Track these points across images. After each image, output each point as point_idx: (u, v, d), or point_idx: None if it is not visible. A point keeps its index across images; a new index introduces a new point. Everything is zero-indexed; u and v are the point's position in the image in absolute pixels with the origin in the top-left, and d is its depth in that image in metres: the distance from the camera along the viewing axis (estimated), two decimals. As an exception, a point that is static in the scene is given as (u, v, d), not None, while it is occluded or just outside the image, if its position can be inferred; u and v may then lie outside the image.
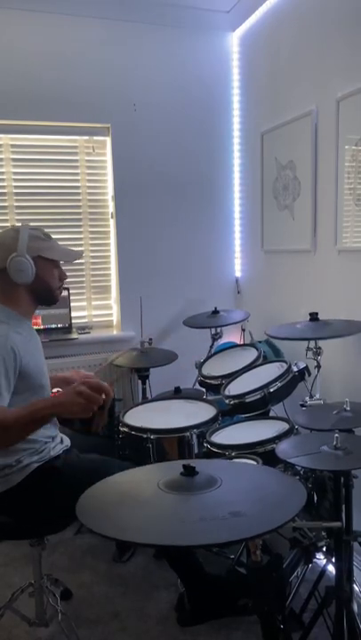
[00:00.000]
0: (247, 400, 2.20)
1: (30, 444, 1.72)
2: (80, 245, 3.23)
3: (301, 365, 2.26)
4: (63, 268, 1.86)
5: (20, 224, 1.79)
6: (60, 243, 1.83)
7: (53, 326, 3.11)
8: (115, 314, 3.37)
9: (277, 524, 1.00)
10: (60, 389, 2.04)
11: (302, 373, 2.26)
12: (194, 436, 2.13)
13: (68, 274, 1.90)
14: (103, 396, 1.52)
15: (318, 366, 2.24)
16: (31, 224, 1.81)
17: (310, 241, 2.61)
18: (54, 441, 1.83)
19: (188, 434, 2.13)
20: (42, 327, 3.06)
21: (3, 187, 3.03)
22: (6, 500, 1.68)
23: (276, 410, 2.43)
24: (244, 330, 3.32)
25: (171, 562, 2.01)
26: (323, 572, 1.87)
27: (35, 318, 3.02)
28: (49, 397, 1.62)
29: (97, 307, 3.35)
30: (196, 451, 2.14)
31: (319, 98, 2.47)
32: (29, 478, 1.69)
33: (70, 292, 3.12)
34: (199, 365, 2.71)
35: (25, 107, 2.94)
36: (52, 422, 1.82)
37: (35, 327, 1.89)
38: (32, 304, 1.80)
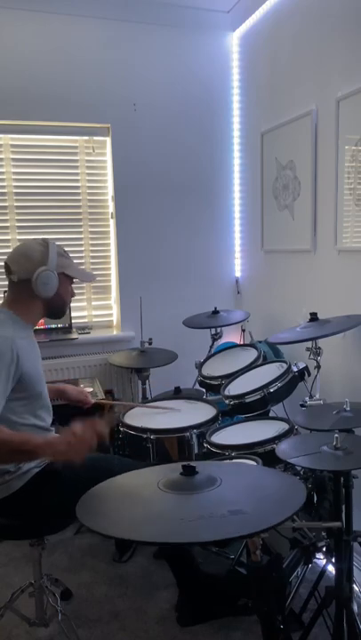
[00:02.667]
0: (247, 400, 2.20)
1: None
2: (80, 245, 3.23)
3: (301, 365, 2.26)
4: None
5: (47, 239, 1.84)
6: (59, 244, 1.84)
7: (53, 326, 3.11)
8: (115, 314, 3.37)
9: (277, 521, 1.00)
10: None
11: (302, 373, 2.26)
12: (194, 436, 2.13)
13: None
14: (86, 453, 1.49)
15: (318, 366, 2.24)
16: (56, 241, 1.84)
17: (310, 241, 2.61)
18: None
19: (188, 434, 2.13)
20: (42, 327, 3.06)
21: (3, 187, 3.03)
22: (8, 505, 1.69)
23: (276, 410, 2.43)
24: (244, 330, 3.32)
25: (169, 561, 2.01)
26: (323, 572, 1.87)
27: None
28: (43, 436, 1.63)
29: (97, 307, 3.35)
30: (196, 451, 2.14)
31: (319, 98, 2.47)
32: (30, 483, 1.70)
33: (70, 291, 3.13)
34: (199, 365, 2.71)
35: (25, 107, 2.95)
36: (51, 429, 1.83)
37: (38, 327, 1.91)
38: (41, 316, 1.85)
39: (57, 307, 1.84)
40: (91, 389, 2.78)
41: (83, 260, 3.24)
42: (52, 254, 1.74)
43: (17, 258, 1.75)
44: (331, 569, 1.77)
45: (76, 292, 2.78)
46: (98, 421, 1.50)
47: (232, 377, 2.44)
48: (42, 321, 3.03)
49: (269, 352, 2.72)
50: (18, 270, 1.73)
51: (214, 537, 0.98)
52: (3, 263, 1.78)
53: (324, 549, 1.81)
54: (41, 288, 1.72)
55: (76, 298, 3.18)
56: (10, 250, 3.03)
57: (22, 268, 1.72)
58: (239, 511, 1.05)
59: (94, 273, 3.21)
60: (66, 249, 1.86)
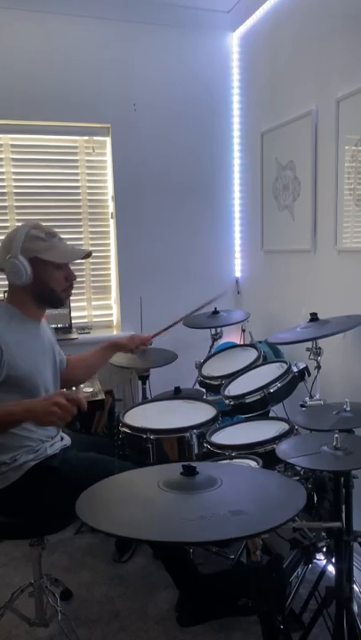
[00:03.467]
0: (247, 400, 2.20)
1: (26, 441, 1.72)
2: (80, 245, 3.23)
3: (301, 366, 2.26)
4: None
5: (25, 222, 1.74)
6: (40, 223, 1.77)
7: (53, 326, 3.11)
8: (115, 314, 3.37)
9: (278, 522, 1.00)
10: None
11: (302, 374, 2.25)
12: (194, 437, 2.13)
13: (71, 270, 1.82)
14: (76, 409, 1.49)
15: (318, 367, 2.24)
16: (37, 222, 1.75)
17: (310, 241, 2.61)
18: (53, 440, 1.82)
19: (188, 434, 2.13)
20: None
21: (3, 187, 3.03)
22: (4, 498, 1.68)
23: (276, 410, 2.43)
24: (244, 330, 3.32)
25: (165, 563, 2.00)
26: (323, 572, 1.87)
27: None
28: (24, 402, 1.58)
29: (97, 307, 3.35)
30: (196, 451, 2.14)
31: (319, 98, 2.47)
32: (26, 477, 1.69)
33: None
34: (199, 365, 2.71)
35: (25, 107, 2.95)
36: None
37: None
38: (36, 305, 1.77)
39: (45, 295, 1.74)
40: (91, 389, 2.78)
41: (83, 260, 3.23)
42: (18, 239, 1.64)
43: None
44: (331, 569, 1.77)
45: (75, 291, 2.78)
46: (74, 395, 1.48)
47: (232, 377, 2.44)
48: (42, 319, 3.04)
49: (269, 352, 2.72)
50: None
51: (216, 537, 0.98)
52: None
53: (324, 549, 1.81)
54: (12, 277, 1.65)
55: (75, 298, 3.22)
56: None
57: (1, 258, 1.68)
58: (240, 511, 1.05)
59: (95, 274, 3.27)
60: (48, 228, 1.75)
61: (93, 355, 2.08)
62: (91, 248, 3.26)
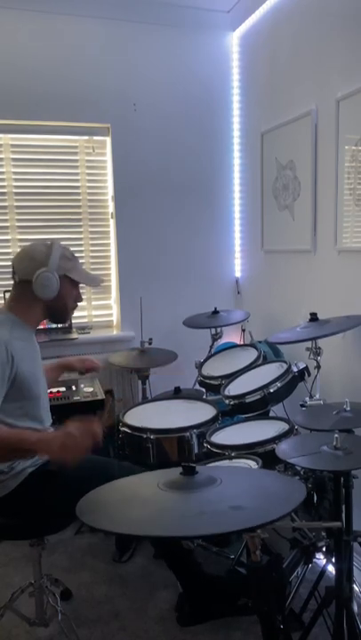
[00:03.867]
0: (247, 400, 2.20)
1: None
2: (80, 245, 3.23)
3: (301, 366, 2.26)
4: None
5: (53, 239, 1.81)
6: (62, 243, 1.83)
7: (53, 326, 3.11)
8: (115, 314, 3.37)
9: (278, 515, 1.00)
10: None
11: (302, 374, 2.26)
12: (194, 436, 2.13)
13: (80, 293, 1.91)
14: (81, 454, 1.46)
15: (318, 366, 2.24)
16: (60, 240, 1.82)
17: (310, 241, 2.61)
18: None
19: (188, 434, 2.13)
20: (42, 327, 3.06)
21: (3, 187, 3.03)
22: (4, 505, 1.69)
23: (276, 410, 2.43)
24: (244, 330, 3.32)
25: (169, 562, 2.01)
26: (323, 572, 1.87)
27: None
28: (38, 433, 1.60)
29: (97, 307, 3.35)
30: (196, 451, 2.14)
31: (319, 98, 2.47)
32: (25, 484, 1.70)
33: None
34: (199, 365, 2.71)
35: (25, 107, 2.95)
36: (46, 426, 1.82)
37: (38, 327, 1.89)
38: (42, 318, 1.82)
39: (58, 310, 1.82)
40: (91, 389, 2.78)
41: (83, 260, 3.24)
42: (55, 256, 1.73)
43: (20, 258, 1.75)
44: (331, 569, 1.77)
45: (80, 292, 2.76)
46: (93, 422, 1.48)
47: (232, 377, 2.44)
48: (46, 321, 3.04)
49: (269, 352, 2.72)
50: (20, 271, 1.73)
51: (216, 530, 0.98)
52: (3, 264, 1.78)
53: (324, 549, 1.82)
54: (40, 289, 1.71)
55: (82, 299, 3.21)
56: (10, 249, 3.05)
57: (24, 269, 1.72)
58: (240, 507, 1.05)
59: (98, 275, 3.26)
60: (70, 249, 1.83)
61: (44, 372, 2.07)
62: (91, 248, 3.27)
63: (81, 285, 1.88)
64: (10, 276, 1.84)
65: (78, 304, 1.91)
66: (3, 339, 1.62)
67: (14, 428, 1.64)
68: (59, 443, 1.42)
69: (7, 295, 1.83)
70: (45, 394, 1.84)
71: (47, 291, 1.71)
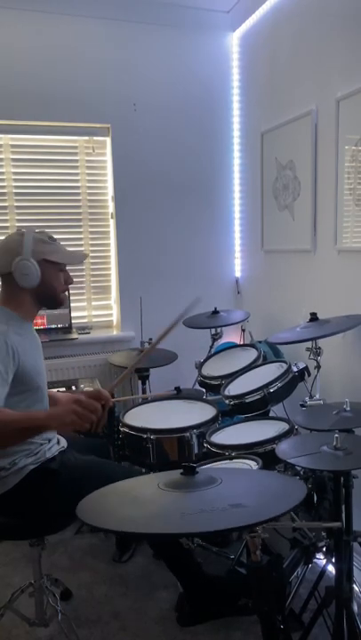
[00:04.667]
0: (247, 400, 2.20)
1: (25, 445, 1.72)
2: (80, 245, 3.23)
3: (301, 366, 2.26)
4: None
5: (23, 228, 1.79)
6: (62, 244, 1.83)
7: (53, 326, 3.11)
8: (115, 314, 3.37)
9: (278, 512, 1.00)
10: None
11: (302, 374, 2.26)
12: (194, 436, 2.13)
13: (69, 274, 1.87)
14: (94, 417, 1.48)
15: (318, 366, 2.24)
16: (36, 228, 1.80)
17: (310, 241, 2.61)
18: (50, 442, 1.82)
19: (188, 434, 2.13)
20: (42, 327, 3.06)
21: (3, 187, 3.03)
22: (4, 502, 1.69)
23: (276, 410, 2.43)
24: (244, 330, 3.32)
25: (168, 563, 2.01)
26: (323, 572, 1.87)
27: (40, 318, 3.03)
28: (46, 410, 1.60)
29: (97, 307, 3.35)
30: (196, 451, 2.14)
31: (319, 98, 2.47)
32: (26, 480, 1.69)
33: (70, 292, 3.12)
34: (199, 365, 2.71)
35: (25, 107, 2.95)
36: None
37: (38, 327, 1.89)
38: (35, 307, 1.80)
39: (47, 296, 1.78)
40: (90, 389, 2.78)
41: (84, 260, 3.24)
42: (28, 242, 1.69)
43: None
44: (331, 569, 1.77)
45: (75, 291, 2.78)
46: (101, 390, 1.46)
47: (232, 377, 2.44)
48: (42, 321, 3.04)
49: (269, 352, 2.72)
50: (1, 265, 1.71)
51: (216, 528, 0.98)
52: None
53: (324, 549, 1.82)
54: (21, 279, 1.68)
55: (75, 298, 3.22)
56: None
57: (4, 262, 1.70)
58: (240, 505, 1.05)
59: (95, 274, 3.27)
60: (48, 233, 1.80)
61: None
62: (91, 248, 3.27)
63: (78, 284, 1.86)
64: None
65: (70, 286, 1.87)
66: (1, 331, 1.61)
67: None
68: (70, 411, 1.42)
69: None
70: (46, 386, 1.84)
71: (28, 279, 1.69)
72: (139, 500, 1.16)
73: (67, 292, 3.03)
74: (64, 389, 2.76)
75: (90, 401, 1.47)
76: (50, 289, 1.76)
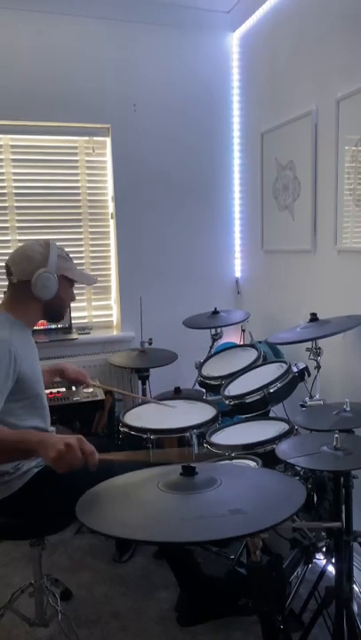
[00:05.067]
0: (247, 400, 2.20)
1: None
2: (80, 246, 3.23)
3: (301, 366, 2.26)
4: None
5: (49, 240, 1.82)
6: (60, 244, 1.84)
7: (53, 326, 3.11)
8: (115, 314, 3.37)
9: (277, 520, 1.00)
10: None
11: (302, 374, 2.25)
12: (194, 437, 2.13)
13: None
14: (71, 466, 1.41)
15: (318, 367, 2.24)
16: (56, 241, 1.83)
17: (310, 241, 2.61)
18: None
19: (188, 434, 2.13)
20: (42, 327, 3.06)
21: (3, 187, 3.03)
22: (8, 505, 1.69)
23: (276, 410, 2.43)
24: (244, 330, 3.32)
25: (170, 562, 2.01)
26: (323, 572, 1.87)
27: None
28: (39, 433, 1.59)
29: (97, 307, 3.35)
30: (196, 451, 2.14)
31: (319, 98, 2.47)
32: (29, 483, 1.70)
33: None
34: (199, 366, 2.71)
35: (25, 107, 2.95)
36: (48, 424, 1.83)
37: (38, 327, 1.90)
38: (39, 318, 1.83)
39: (56, 309, 1.83)
40: (91, 389, 2.78)
41: (83, 261, 3.24)
42: (53, 256, 1.73)
43: (17, 259, 1.74)
44: (331, 569, 1.77)
45: (75, 291, 2.77)
46: (90, 447, 1.43)
47: (232, 377, 2.44)
48: (43, 321, 3.04)
49: (269, 352, 2.72)
50: (17, 271, 1.73)
51: (215, 536, 0.98)
52: (3, 264, 1.78)
53: (324, 549, 1.82)
54: (40, 290, 1.71)
55: (76, 298, 3.21)
56: (10, 250, 3.05)
57: (22, 270, 1.72)
58: (239, 511, 1.05)
59: (95, 275, 3.26)
60: (66, 249, 1.85)
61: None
62: (91, 248, 3.27)
63: (78, 285, 1.89)
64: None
65: (72, 303, 1.92)
66: (5, 338, 1.62)
67: (17, 427, 1.64)
68: (57, 449, 1.38)
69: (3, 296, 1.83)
70: (44, 393, 1.84)
71: (47, 291, 1.72)
72: (138, 502, 1.16)
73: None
74: (64, 389, 2.76)
75: (76, 451, 1.39)
76: (60, 304, 1.83)
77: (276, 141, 2.89)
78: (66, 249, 1.85)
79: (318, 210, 2.55)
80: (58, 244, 1.82)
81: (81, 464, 1.38)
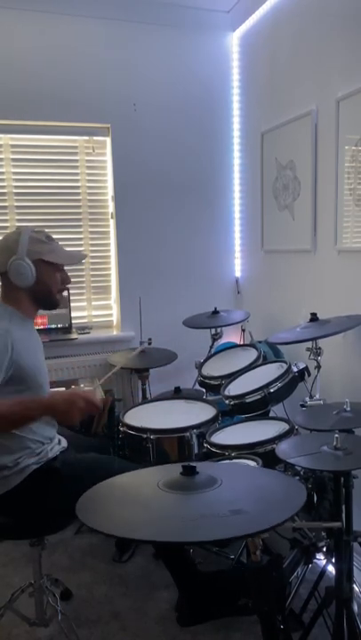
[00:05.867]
0: (247, 400, 2.20)
1: (28, 443, 1.72)
2: (80, 245, 3.23)
3: (301, 366, 2.26)
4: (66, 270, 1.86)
5: (22, 226, 1.80)
6: (60, 244, 1.83)
7: (53, 326, 3.11)
8: (115, 314, 3.37)
9: (278, 521, 1.00)
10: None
11: (302, 374, 2.26)
12: (194, 436, 2.13)
13: (67, 274, 1.88)
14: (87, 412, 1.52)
15: (318, 366, 2.24)
16: (34, 226, 1.80)
17: (310, 241, 2.61)
18: (52, 442, 1.83)
19: (188, 434, 2.13)
20: (42, 327, 3.06)
21: (3, 187, 3.03)
22: (6, 502, 1.68)
23: (276, 410, 2.43)
24: (244, 330, 3.32)
25: (166, 562, 2.01)
26: (323, 572, 1.87)
27: (41, 318, 3.03)
28: (43, 398, 1.61)
29: (97, 307, 3.35)
30: (196, 451, 2.14)
31: (319, 98, 2.47)
32: (28, 480, 1.69)
33: (70, 292, 3.12)
34: (199, 365, 2.71)
35: (25, 107, 2.95)
36: (51, 424, 1.83)
37: (38, 327, 1.89)
38: (33, 306, 1.81)
39: (43, 296, 1.78)
40: (91, 389, 2.78)
41: (82, 260, 3.24)
42: (23, 242, 1.69)
43: None
44: (331, 569, 1.77)
45: (74, 291, 2.77)
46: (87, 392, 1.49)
47: (232, 377, 2.44)
48: (43, 321, 3.04)
49: (269, 352, 2.72)
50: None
51: (216, 536, 0.98)
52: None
53: (324, 549, 1.81)
54: (16, 278, 1.69)
55: (75, 298, 3.22)
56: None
57: (0, 262, 1.71)
58: (240, 511, 1.05)
59: (95, 274, 3.27)
60: (46, 232, 1.81)
61: None
62: (91, 248, 3.27)
63: (77, 284, 1.86)
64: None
65: (70, 286, 1.88)
66: (3, 328, 1.62)
67: None
68: (64, 405, 1.45)
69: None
70: (47, 384, 1.84)
71: (23, 278, 1.69)
72: (138, 501, 1.16)
73: (67, 293, 3.06)
74: (64, 389, 2.76)
75: (87, 402, 1.48)
76: (45, 289, 1.77)
77: (276, 141, 2.89)
78: (66, 249, 1.84)
79: (318, 210, 2.55)
80: (37, 227, 1.79)
81: (87, 409, 1.46)
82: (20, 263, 1.68)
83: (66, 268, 1.85)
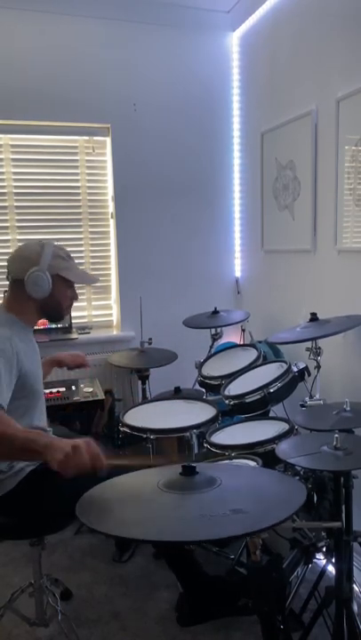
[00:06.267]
0: (247, 400, 2.20)
1: None
2: (80, 245, 3.23)
3: (301, 366, 2.26)
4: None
5: (45, 239, 1.83)
6: (60, 244, 1.84)
7: (53, 326, 3.11)
8: (115, 314, 3.37)
9: (278, 520, 1.00)
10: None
11: (302, 374, 2.25)
12: (194, 436, 2.13)
13: (76, 292, 1.92)
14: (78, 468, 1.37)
15: (318, 366, 2.24)
16: (56, 242, 1.83)
17: (310, 241, 2.61)
18: None
19: (188, 434, 2.13)
20: (42, 327, 3.06)
21: (3, 187, 3.03)
22: (3, 504, 1.69)
23: (276, 410, 2.43)
24: (244, 330, 3.32)
25: (169, 561, 2.01)
26: (323, 572, 1.87)
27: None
28: (47, 436, 1.57)
29: (97, 307, 3.35)
30: (196, 451, 2.14)
31: (319, 98, 2.47)
32: (24, 482, 1.70)
33: (70, 292, 3.12)
34: (199, 365, 2.71)
35: (25, 107, 2.95)
36: (46, 426, 1.83)
37: (39, 327, 1.90)
38: (37, 317, 1.84)
39: (52, 309, 1.83)
40: (90, 389, 2.78)
41: (83, 260, 3.24)
42: (46, 255, 1.73)
43: (13, 258, 1.77)
44: (331, 569, 1.77)
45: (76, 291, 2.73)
46: (98, 451, 1.40)
47: (232, 377, 2.44)
48: (43, 321, 3.04)
49: (269, 352, 2.72)
50: (12, 270, 1.75)
51: (216, 536, 0.98)
52: (2, 264, 1.79)
53: (324, 549, 1.81)
54: (32, 288, 1.72)
55: (78, 298, 3.20)
56: (10, 250, 3.06)
57: (16, 268, 1.74)
58: (240, 510, 1.05)
59: (96, 275, 3.26)
60: (66, 249, 1.84)
61: None
62: (91, 248, 3.27)
63: (80, 285, 1.88)
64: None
65: (74, 303, 1.91)
66: (6, 335, 1.63)
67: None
68: (65, 452, 1.36)
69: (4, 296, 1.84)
70: (42, 391, 1.85)
71: (39, 290, 1.72)
72: (138, 501, 1.16)
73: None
74: (64, 389, 2.76)
75: (83, 454, 1.35)
76: (56, 303, 1.81)
77: (276, 141, 2.89)
78: (66, 249, 1.85)
79: (318, 210, 2.55)
80: (58, 243, 1.82)
81: (87, 467, 1.36)
82: (39, 275, 1.71)
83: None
